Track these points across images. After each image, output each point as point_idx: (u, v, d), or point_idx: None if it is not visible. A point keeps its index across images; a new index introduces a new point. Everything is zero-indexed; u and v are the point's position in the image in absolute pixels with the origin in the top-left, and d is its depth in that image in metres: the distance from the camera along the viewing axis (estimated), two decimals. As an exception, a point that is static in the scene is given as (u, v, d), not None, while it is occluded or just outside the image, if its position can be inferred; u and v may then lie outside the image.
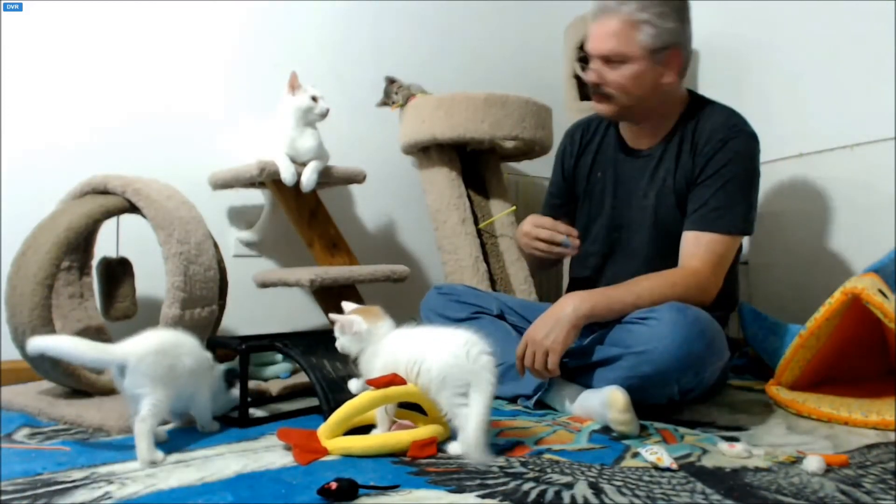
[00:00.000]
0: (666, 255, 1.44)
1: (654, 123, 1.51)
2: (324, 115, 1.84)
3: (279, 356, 1.69)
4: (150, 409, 1.07)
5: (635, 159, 1.54)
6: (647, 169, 1.52)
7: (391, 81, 2.17)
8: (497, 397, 1.52)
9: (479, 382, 1.08)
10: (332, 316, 1.20)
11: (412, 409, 1.23)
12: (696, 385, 1.33)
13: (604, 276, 1.57)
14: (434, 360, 1.10)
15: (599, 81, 1.45)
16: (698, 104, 1.51)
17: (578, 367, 1.38)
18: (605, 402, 1.23)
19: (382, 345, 1.17)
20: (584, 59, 1.50)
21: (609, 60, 1.41)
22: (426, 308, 1.66)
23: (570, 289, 1.71)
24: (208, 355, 1.26)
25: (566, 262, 1.97)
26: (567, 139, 1.71)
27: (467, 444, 1.05)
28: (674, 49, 1.41)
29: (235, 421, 1.30)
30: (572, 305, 1.32)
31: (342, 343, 1.19)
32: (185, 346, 1.18)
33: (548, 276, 2.50)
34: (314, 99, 1.82)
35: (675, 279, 1.37)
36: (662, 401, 1.31)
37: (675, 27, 1.41)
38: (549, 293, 2.47)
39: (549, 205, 1.75)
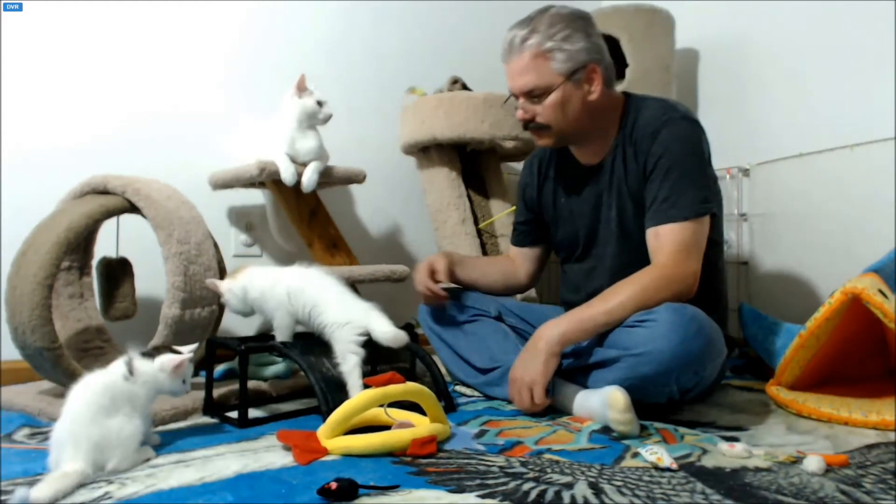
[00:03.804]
0: (640, 262, 1.42)
1: (599, 137, 1.51)
2: (326, 120, 1.85)
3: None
4: (75, 470, 0.97)
5: (592, 175, 1.54)
6: (603, 182, 1.51)
7: (454, 81, 2.16)
8: (496, 398, 1.52)
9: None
10: (212, 282, 1.42)
11: (412, 409, 1.23)
12: (696, 384, 1.33)
13: (586, 292, 1.54)
14: (331, 312, 1.36)
15: (531, 117, 1.47)
16: (633, 105, 1.50)
17: (578, 368, 1.38)
18: (605, 402, 1.23)
19: (280, 279, 1.40)
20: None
21: (532, 95, 1.43)
22: (425, 312, 1.66)
23: (563, 309, 1.70)
24: (131, 390, 1.07)
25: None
26: (526, 171, 1.73)
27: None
28: (590, 65, 1.42)
29: (235, 421, 1.30)
30: (544, 337, 1.33)
31: (233, 307, 1.41)
32: (112, 407, 1.04)
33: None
34: (319, 104, 1.83)
35: (644, 282, 1.35)
36: (662, 400, 1.32)
37: (583, 45, 1.41)
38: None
39: (518, 232, 1.77)
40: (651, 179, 1.42)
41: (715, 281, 1.54)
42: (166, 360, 1.11)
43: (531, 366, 1.32)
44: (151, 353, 1.12)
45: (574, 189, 1.58)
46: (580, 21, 1.43)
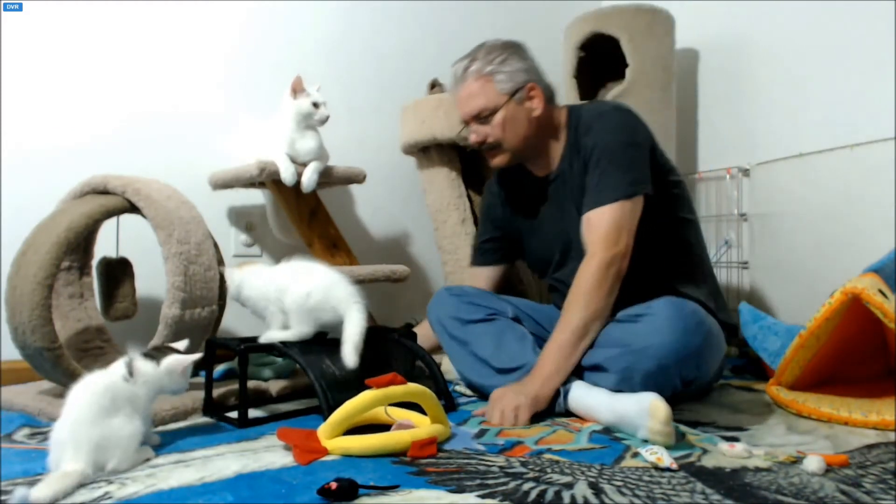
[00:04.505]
0: None
1: (549, 149, 1.57)
2: (323, 121, 1.85)
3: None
4: (75, 470, 0.96)
5: (550, 185, 1.59)
6: (561, 188, 1.56)
7: (433, 86, 2.21)
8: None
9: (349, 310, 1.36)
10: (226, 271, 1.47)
11: (412, 409, 1.23)
12: (697, 376, 1.34)
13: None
14: (296, 292, 1.38)
15: (483, 139, 1.55)
16: (574, 114, 1.57)
17: (580, 369, 1.38)
18: (644, 410, 1.19)
19: (273, 278, 1.42)
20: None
21: (481, 117, 1.53)
22: (436, 309, 1.62)
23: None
24: (131, 391, 1.07)
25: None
26: (488, 193, 1.78)
27: (346, 353, 1.30)
28: (529, 84, 1.52)
29: (235, 421, 1.30)
30: (537, 381, 1.33)
31: (230, 293, 1.45)
32: (113, 408, 1.03)
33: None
34: (315, 105, 1.83)
35: (584, 287, 1.36)
36: (667, 394, 1.30)
37: (520, 66, 1.52)
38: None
39: (482, 251, 1.77)
40: (588, 173, 1.46)
41: (692, 255, 1.55)
42: (173, 361, 1.11)
43: (522, 392, 1.32)
44: (151, 354, 1.12)
45: (539, 202, 1.63)
46: (513, 47, 1.55)
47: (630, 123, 1.49)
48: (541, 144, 1.57)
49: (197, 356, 1.15)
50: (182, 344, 1.18)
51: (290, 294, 1.38)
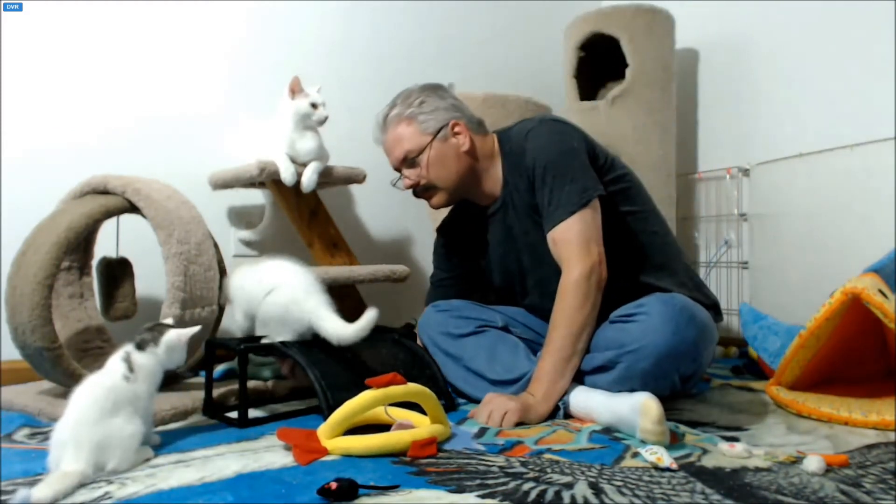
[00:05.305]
0: None
1: (489, 178, 1.56)
2: (321, 122, 1.85)
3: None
4: (75, 471, 0.97)
5: (497, 214, 1.58)
6: (509, 213, 1.55)
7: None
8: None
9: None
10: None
11: (412, 409, 1.23)
12: (696, 370, 1.34)
13: (544, 314, 1.52)
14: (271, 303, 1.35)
15: (415, 182, 1.55)
16: (503, 138, 1.57)
17: (579, 373, 1.38)
18: (636, 409, 1.20)
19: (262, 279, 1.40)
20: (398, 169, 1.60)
21: (408, 160, 1.54)
22: (426, 327, 1.61)
23: None
24: (132, 390, 1.07)
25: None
26: (437, 244, 1.77)
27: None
28: (451, 122, 1.52)
29: (235, 421, 1.30)
30: (536, 400, 1.32)
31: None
32: (115, 409, 1.03)
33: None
34: (314, 106, 1.83)
35: (570, 302, 1.35)
36: (666, 392, 1.31)
37: (440, 105, 1.53)
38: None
39: (439, 287, 1.74)
40: (537, 191, 1.45)
41: (656, 245, 1.53)
42: (172, 337, 1.12)
43: (514, 398, 1.32)
44: (146, 341, 1.11)
45: (489, 233, 1.62)
46: (430, 89, 1.56)
47: (561, 131, 1.48)
48: (477, 176, 1.56)
49: (196, 329, 1.16)
50: (191, 330, 1.17)
51: (265, 307, 1.36)
